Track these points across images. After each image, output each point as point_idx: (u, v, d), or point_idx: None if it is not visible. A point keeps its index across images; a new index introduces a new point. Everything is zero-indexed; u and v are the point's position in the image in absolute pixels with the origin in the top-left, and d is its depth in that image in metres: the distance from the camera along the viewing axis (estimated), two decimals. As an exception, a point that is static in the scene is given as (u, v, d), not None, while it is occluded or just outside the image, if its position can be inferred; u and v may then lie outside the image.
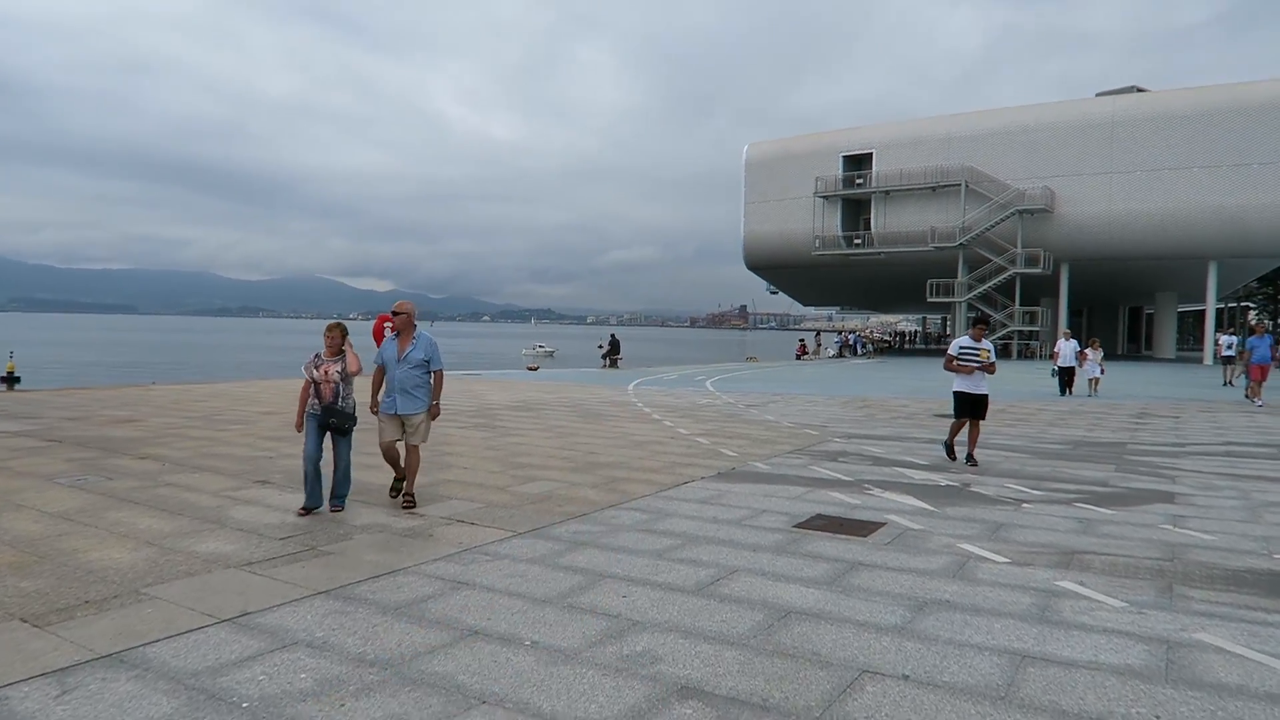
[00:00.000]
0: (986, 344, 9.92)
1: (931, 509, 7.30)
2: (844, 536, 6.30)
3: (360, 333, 9.26)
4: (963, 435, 9.96)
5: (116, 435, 10.75)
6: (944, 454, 10.10)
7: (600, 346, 34.90)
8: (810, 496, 7.76)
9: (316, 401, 6.88)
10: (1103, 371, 19.47)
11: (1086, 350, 19.48)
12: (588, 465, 9.27)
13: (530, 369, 30.88)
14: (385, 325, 24.60)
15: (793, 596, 4.86)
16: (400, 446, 7.23)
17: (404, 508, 6.97)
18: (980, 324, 10.07)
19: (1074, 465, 9.83)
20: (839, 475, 8.88)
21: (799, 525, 6.62)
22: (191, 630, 4.20)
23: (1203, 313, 50.22)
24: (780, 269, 55.31)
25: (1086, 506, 7.51)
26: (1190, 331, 69.83)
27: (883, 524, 6.71)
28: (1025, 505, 7.54)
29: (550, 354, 70.43)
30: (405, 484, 7.17)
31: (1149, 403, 19.09)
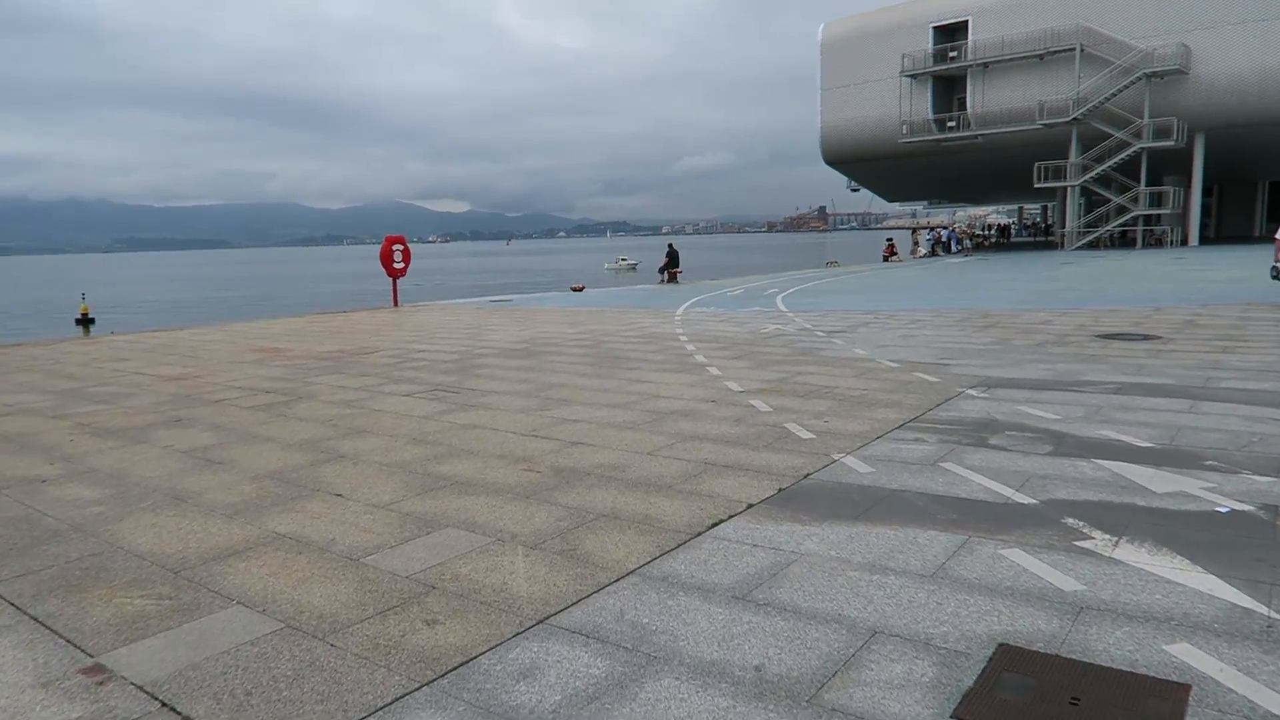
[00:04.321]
0: None
1: (1264, 610, 3.22)
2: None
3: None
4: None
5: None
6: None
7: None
8: (964, 567, 3.74)
9: None
10: None
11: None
12: (555, 477, 5.42)
13: (575, 289, 27.05)
14: (394, 248, 21.07)
15: None
16: None
17: None
18: None
19: None
20: (1005, 491, 4.79)
21: (963, 712, 2.66)
22: None
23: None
24: (862, 162, 49.46)
25: None
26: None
27: (1181, 689, 2.69)
28: None
29: (633, 267, 69.16)
30: None
31: (1381, 300, 14.07)
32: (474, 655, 3.13)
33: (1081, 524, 4.20)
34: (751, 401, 7.53)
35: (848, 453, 5.70)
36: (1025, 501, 4.58)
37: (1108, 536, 4.02)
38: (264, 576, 3.92)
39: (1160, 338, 10.61)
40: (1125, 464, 5.18)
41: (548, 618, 3.42)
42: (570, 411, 7.39)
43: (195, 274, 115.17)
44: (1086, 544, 3.94)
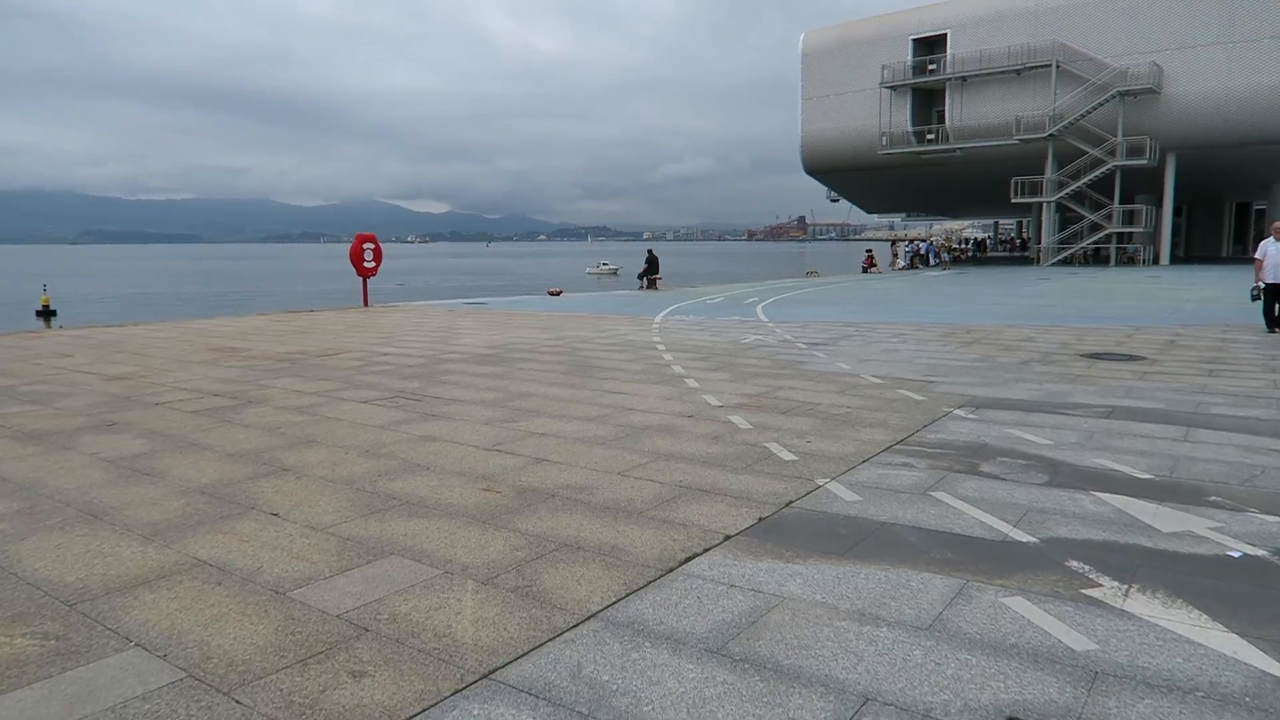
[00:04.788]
0: None
1: (1296, 680, 2.87)
2: None
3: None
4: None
5: None
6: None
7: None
8: (963, 618, 3.36)
9: None
10: None
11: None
12: (516, 498, 4.99)
13: (552, 293, 26.58)
14: (365, 247, 20.52)
15: None
16: None
17: None
18: None
19: None
20: (1002, 526, 4.43)
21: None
22: None
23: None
24: (842, 172, 49.50)
25: None
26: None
27: (1221, 785, 2.32)
28: None
29: (614, 272, 69.15)
30: None
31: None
32: (404, 720, 2.70)
33: (1087, 568, 3.84)
34: (731, 417, 7.14)
35: (832, 478, 5.32)
36: (1024, 539, 4.22)
37: (1116, 584, 3.66)
38: (173, 612, 3.46)
39: (1145, 358, 10.37)
40: (1126, 498, 4.85)
41: (494, 671, 2.99)
42: (538, 424, 6.96)
43: (165, 268, 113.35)
44: (1094, 592, 3.58)
